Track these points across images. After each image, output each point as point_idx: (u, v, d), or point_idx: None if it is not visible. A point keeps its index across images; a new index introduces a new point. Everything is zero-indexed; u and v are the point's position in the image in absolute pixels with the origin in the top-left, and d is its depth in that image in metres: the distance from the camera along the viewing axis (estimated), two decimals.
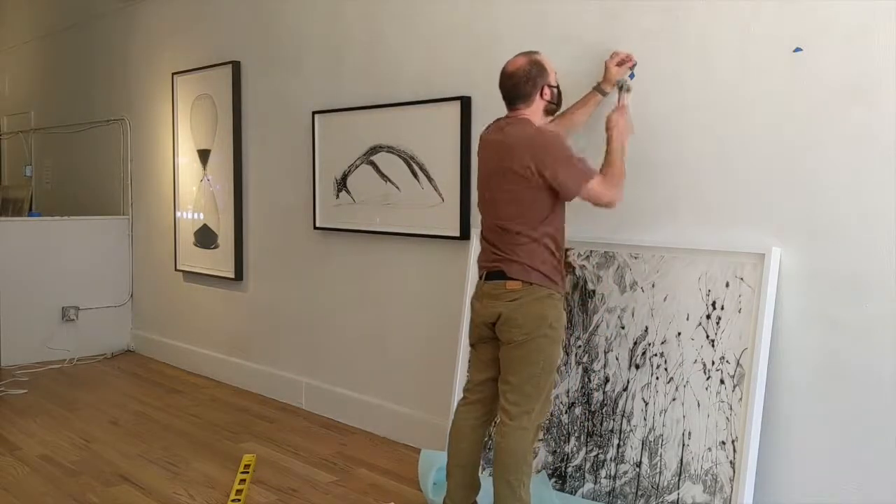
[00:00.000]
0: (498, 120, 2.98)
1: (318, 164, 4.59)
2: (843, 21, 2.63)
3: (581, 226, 3.26)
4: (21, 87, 8.32)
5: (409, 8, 4.07)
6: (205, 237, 5.58)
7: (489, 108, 3.70)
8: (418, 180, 4.00)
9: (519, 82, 2.87)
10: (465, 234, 3.79)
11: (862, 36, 2.60)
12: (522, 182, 2.78)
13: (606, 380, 3.16)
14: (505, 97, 2.92)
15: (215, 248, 5.48)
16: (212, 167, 5.49)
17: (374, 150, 4.22)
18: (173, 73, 5.77)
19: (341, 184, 4.44)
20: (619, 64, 3.12)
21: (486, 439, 3.11)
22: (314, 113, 4.59)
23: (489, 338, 2.92)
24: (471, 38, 3.78)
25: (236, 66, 5.19)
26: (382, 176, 4.19)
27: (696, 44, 2.99)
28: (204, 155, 5.56)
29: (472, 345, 3.04)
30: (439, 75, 3.91)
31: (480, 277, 2.94)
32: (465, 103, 3.77)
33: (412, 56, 4.06)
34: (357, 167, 4.34)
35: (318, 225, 4.61)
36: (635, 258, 3.14)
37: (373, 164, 4.24)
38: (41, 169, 7.85)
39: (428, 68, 3.98)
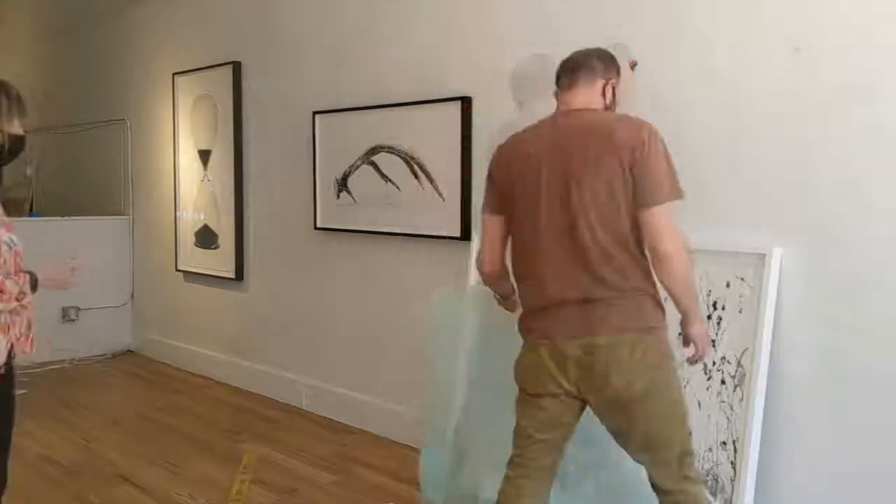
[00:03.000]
0: (538, 124, 2.37)
1: (318, 165, 4.59)
2: (843, 21, 2.63)
3: None
4: (22, 87, 8.30)
5: (410, 8, 4.07)
6: (205, 237, 5.58)
7: (489, 108, 3.70)
8: (419, 180, 4.00)
9: (592, 56, 2.37)
10: (465, 235, 3.78)
11: (862, 35, 2.60)
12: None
13: None
14: (569, 69, 2.35)
15: (216, 248, 5.48)
16: (212, 167, 5.49)
17: (375, 150, 4.22)
18: (174, 74, 5.77)
19: (342, 184, 4.44)
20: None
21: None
22: (314, 113, 4.58)
23: None
24: (471, 38, 3.78)
25: (237, 67, 5.19)
26: (383, 176, 4.19)
27: (697, 44, 2.99)
28: (204, 155, 5.56)
29: None
30: (439, 75, 3.91)
31: None
32: (466, 103, 3.77)
33: (412, 56, 4.05)
34: (357, 167, 4.34)
35: (318, 225, 4.61)
36: None
37: (373, 164, 4.24)
38: (42, 169, 7.84)
39: (428, 68, 3.97)
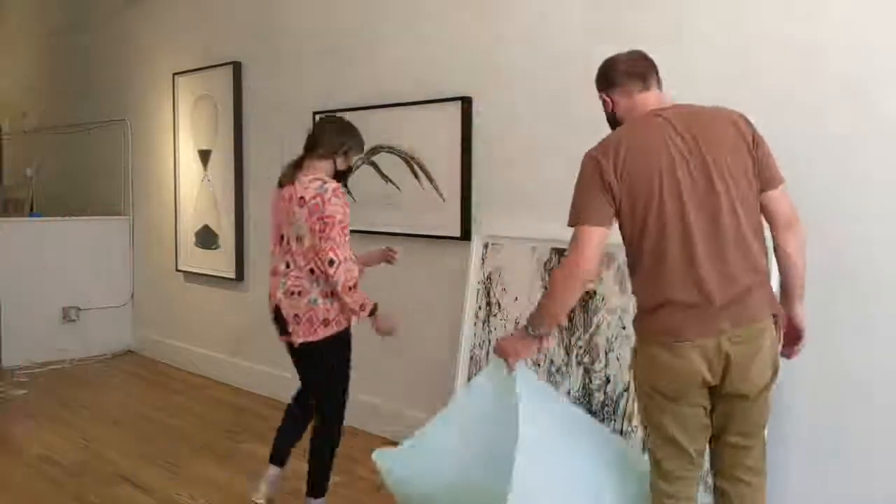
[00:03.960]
0: (636, 124, 2.24)
1: None
2: (843, 21, 2.63)
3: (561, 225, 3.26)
4: (22, 87, 8.32)
5: (410, 8, 4.07)
6: (206, 237, 5.58)
7: (489, 108, 3.71)
8: (419, 180, 4.00)
9: (650, 60, 2.32)
10: (465, 235, 3.78)
11: (861, 36, 2.60)
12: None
13: (607, 380, 3.16)
14: (638, 75, 2.29)
15: (216, 248, 5.48)
16: (213, 167, 5.49)
17: (375, 150, 4.21)
18: (174, 74, 5.77)
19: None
20: None
21: None
22: (314, 113, 4.58)
23: None
24: (471, 38, 3.78)
25: (237, 67, 5.19)
26: (383, 176, 4.19)
27: (697, 43, 2.99)
28: (205, 155, 5.56)
29: None
30: (439, 75, 3.91)
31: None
32: (466, 103, 3.77)
33: (412, 56, 4.06)
34: (358, 167, 4.33)
35: None
36: None
37: (373, 164, 4.24)
38: (42, 169, 7.84)
39: (428, 68, 3.98)
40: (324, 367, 3.18)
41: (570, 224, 2.23)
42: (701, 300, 2.09)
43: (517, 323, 3.48)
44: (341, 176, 3.21)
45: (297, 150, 4.84)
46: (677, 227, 2.10)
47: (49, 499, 3.46)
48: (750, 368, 2.12)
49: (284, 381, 4.93)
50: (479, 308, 3.65)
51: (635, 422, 3.04)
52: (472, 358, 3.65)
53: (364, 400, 4.39)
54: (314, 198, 2.98)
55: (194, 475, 3.72)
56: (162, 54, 5.97)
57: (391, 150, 4.13)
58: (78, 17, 7.08)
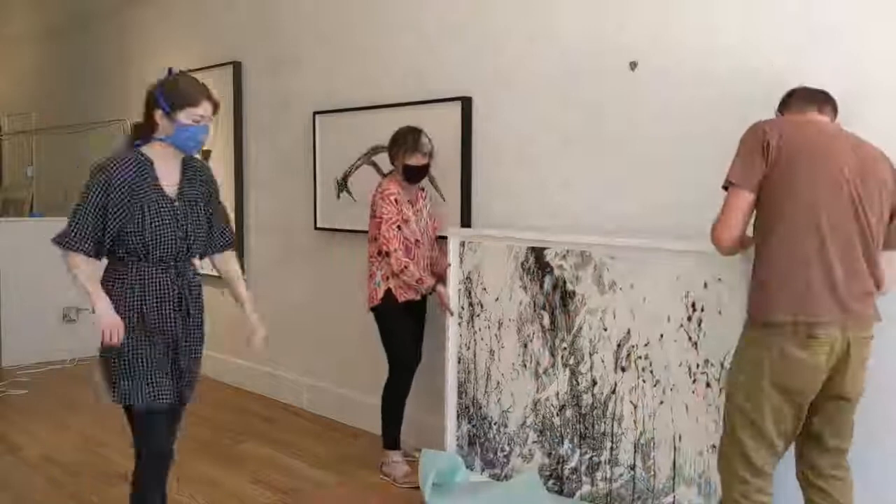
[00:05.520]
0: (801, 120, 2.40)
1: (318, 165, 4.60)
2: (842, 22, 2.64)
3: (561, 225, 3.26)
4: (22, 87, 8.33)
5: (410, 8, 4.07)
6: None
7: (489, 108, 3.71)
8: None
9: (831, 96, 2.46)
10: None
11: (858, 37, 2.60)
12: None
13: (594, 382, 3.14)
14: (816, 101, 2.43)
15: None
16: (212, 167, 5.47)
17: (375, 150, 4.22)
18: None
19: (342, 184, 4.44)
20: None
21: None
22: (314, 113, 4.59)
23: None
24: (471, 38, 3.78)
25: (237, 67, 5.19)
26: (383, 176, 4.18)
27: (697, 44, 2.99)
28: (205, 155, 5.56)
29: None
30: (439, 75, 3.92)
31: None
32: (466, 103, 3.77)
33: (412, 56, 4.06)
34: (358, 167, 4.34)
35: (318, 225, 4.61)
36: (612, 258, 3.08)
37: (374, 164, 4.24)
38: (42, 169, 7.85)
39: (428, 68, 3.98)
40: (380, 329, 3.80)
41: (724, 184, 2.35)
42: (836, 301, 2.20)
43: (500, 324, 3.46)
44: (408, 176, 3.63)
45: (297, 149, 4.87)
46: (835, 220, 2.22)
47: (49, 499, 3.46)
48: (857, 373, 2.27)
49: (285, 381, 4.95)
50: (462, 308, 3.62)
51: (625, 424, 3.04)
52: (460, 360, 3.65)
53: (363, 399, 4.39)
54: (371, 196, 3.66)
55: (194, 475, 3.72)
56: (162, 54, 5.97)
57: None
58: (78, 18, 7.08)
